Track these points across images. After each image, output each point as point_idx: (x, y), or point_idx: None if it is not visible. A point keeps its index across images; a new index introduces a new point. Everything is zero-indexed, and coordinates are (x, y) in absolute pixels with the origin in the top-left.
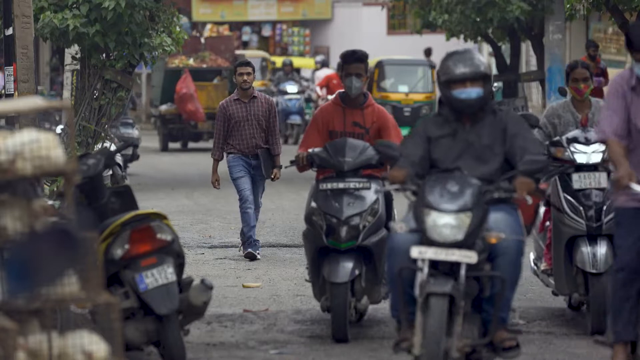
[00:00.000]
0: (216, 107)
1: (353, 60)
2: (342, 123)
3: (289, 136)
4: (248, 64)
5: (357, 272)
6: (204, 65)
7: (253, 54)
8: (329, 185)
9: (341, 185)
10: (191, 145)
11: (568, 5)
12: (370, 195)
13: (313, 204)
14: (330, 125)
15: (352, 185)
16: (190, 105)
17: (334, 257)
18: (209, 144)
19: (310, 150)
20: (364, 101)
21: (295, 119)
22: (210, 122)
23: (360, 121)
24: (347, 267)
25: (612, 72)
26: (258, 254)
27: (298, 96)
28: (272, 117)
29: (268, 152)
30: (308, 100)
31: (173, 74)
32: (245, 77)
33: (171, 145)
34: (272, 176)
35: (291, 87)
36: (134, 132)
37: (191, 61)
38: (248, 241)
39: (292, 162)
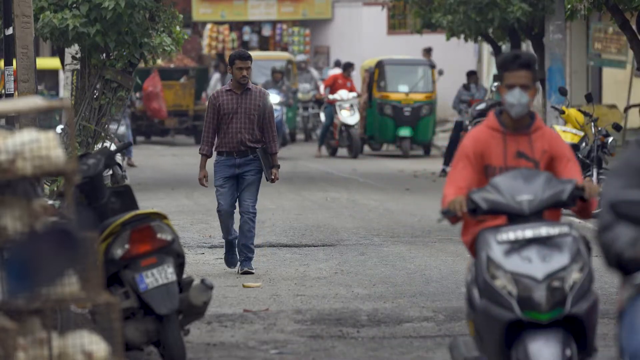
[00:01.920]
0: (183, 105)
1: (517, 66)
2: (503, 155)
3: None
4: (249, 57)
5: (568, 353)
6: (172, 65)
7: (278, 56)
8: (512, 236)
9: (529, 233)
10: (155, 139)
11: (569, 6)
12: (569, 243)
13: (490, 263)
14: (485, 158)
15: (544, 231)
16: (155, 103)
17: (535, 334)
18: (172, 139)
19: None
20: (531, 123)
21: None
22: (176, 119)
23: (527, 151)
24: (556, 347)
25: (612, 72)
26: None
27: (277, 107)
28: (268, 112)
29: (264, 151)
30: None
31: (142, 73)
32: (244, 72)
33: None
34: (272, 177)
35: (272, 97)
36: (121, 129)
37: (159, 61)
38: (227, 247)
39: (444, 214)
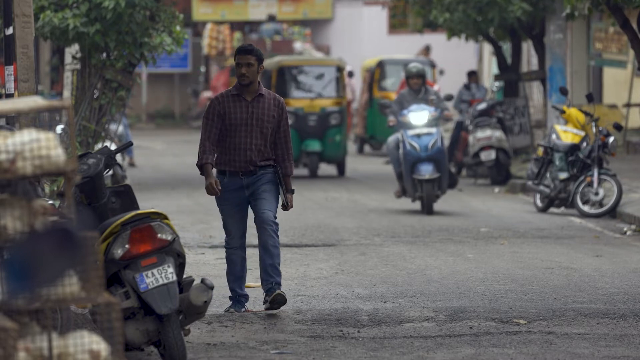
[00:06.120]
0: None
1: None
2: None
3: (417, 198)
4: (249, 51)
5: None
6: None
7: (325, 61)
8: None
9: None
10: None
11: (568, 7)
12: None
13: None
14: None
15: None
16: None
17: None
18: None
19: None
20: None
21: (425, 172)
22: None
23: None
24: None
25: (613, 72)
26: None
27: (432, 130)
28: (283, 124)
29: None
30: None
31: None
32: (243, 70)
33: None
34: (287, 202)
35: (417, 116)
36: (119, 129)
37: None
38: (234, 298)
39: None
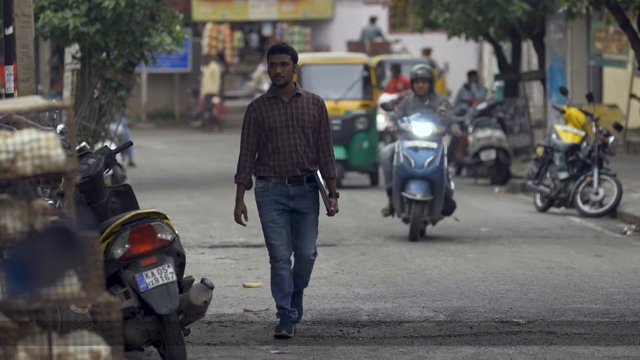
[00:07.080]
0: None
1: None
2: None
3: (404, 220)
4: (284, 49)
5: None
6: None
7: (350, 59)
8: None
9: None
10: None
11: (566, 4)
12: None
13: None
14: None
15: None
16: None
17: None
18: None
19: None
20: None
21: (415, 191)
22: None
23: None
24: None
25: (613, 72)
26: (294, 329)
27: (433, 144)
28: (324, 124)
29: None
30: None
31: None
32: (278, 69)
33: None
34: (332, 208)
35: (420, 127)
36: (119, 129)
37: None
38: (283, 315)
39: None
